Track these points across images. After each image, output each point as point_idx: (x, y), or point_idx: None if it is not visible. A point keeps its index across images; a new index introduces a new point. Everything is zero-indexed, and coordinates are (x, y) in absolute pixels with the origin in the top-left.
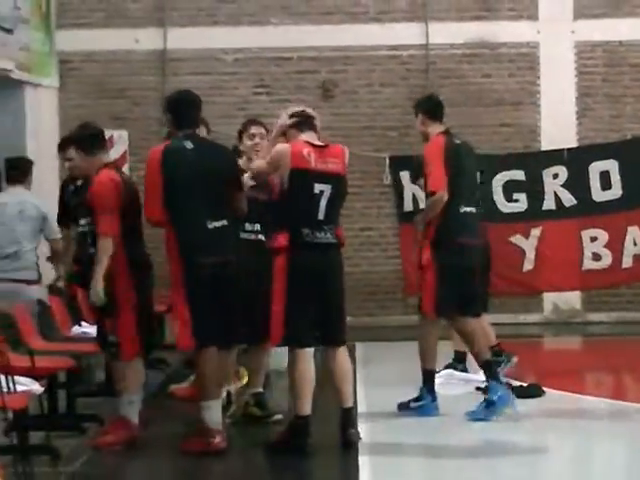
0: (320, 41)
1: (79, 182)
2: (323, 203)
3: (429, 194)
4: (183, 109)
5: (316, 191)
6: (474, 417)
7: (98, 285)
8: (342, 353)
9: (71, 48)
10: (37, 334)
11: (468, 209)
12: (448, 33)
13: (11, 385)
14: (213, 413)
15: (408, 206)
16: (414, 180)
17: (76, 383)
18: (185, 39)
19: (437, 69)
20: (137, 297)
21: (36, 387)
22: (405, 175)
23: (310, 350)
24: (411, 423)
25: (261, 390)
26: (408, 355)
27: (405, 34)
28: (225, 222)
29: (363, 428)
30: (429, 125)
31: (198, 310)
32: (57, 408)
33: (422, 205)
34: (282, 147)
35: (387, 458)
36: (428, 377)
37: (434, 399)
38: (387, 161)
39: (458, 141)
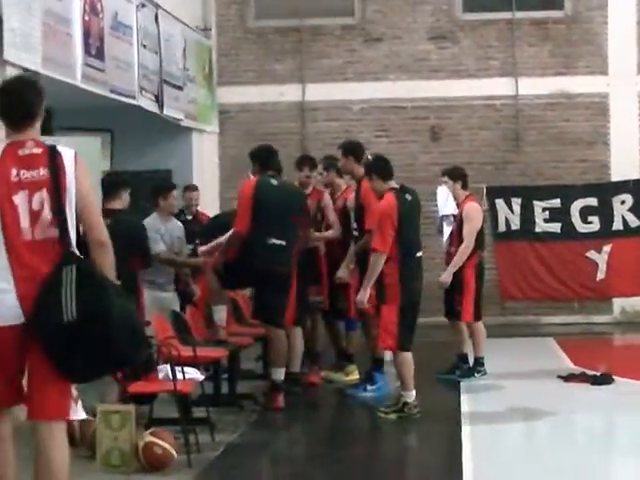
0: (429, 93)
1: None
2: None
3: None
4: (267, 157)
5: None
6: None
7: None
8: None
9: (228, 101)
10: (203, 330)
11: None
12: (534, 86)
13: (180, 374)
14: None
15: (502, 227)
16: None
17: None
18: (320, 92)
19: (525, 115)
20: None
21: (198, 375)
22: (500, 202)
23: None
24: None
25: None
26: (501, 349)
27: (498, 87)
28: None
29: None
30: None
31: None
32: (220, 389)
33: (513, 226)
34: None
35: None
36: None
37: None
38: (484, 190)
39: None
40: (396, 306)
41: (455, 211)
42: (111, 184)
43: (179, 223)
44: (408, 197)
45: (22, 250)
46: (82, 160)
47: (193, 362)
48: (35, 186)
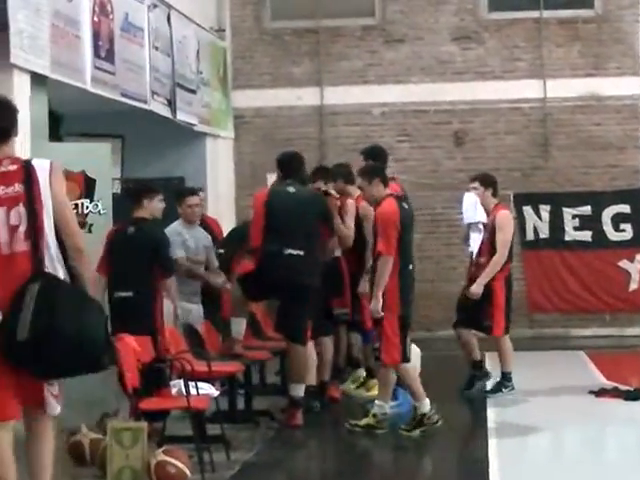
0: (453, 96)
1: None
2: None
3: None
4: (287, 164)
5: None
6: None
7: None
8: None
9: (244, 105)
10: (218, 344)
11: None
12: (563, 88)
13: (194, 389)
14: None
15: (530, 235)
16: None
17: (250, 384)
18: (339, 96)
19: (553, 119)
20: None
21: (213, 391)
22: (527, 209)
23: None
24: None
25: None
26: (529, 363)
27: (526, 89)
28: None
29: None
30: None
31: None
32: (236, 405)
33: (542, 235)
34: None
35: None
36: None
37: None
38: (511, 198)
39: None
40: (396, 317)
41: (485, 219)
42: (133, 192)
43: (206, 233)
44: (405, 205)
45: (1, 264)
46: (58, 169)
47: (207, 377)
48: (12, 202)
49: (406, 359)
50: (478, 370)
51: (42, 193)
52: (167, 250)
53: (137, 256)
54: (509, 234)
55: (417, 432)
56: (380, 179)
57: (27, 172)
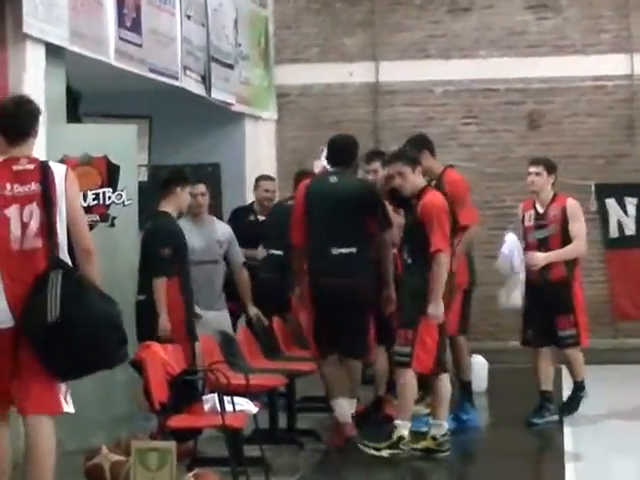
0: (527, 73)
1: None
2: None
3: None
4: (332, 150)
5: None
6: None
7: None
8: None
9: (288, 82)
10: (258, 354)
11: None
12: None
13: (230, 405)
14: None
15: (614, 232)
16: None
17: (293, 400)
18: (397, 72)
19: None
20: None
21: (251, 407)
22: (611, 202)
23: None
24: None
25: None
26: (612, 377)
27: (610, 65)
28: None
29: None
30: None
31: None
32: (277, 423)
33: (628, 232)
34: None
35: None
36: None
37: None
38: (593, 188)
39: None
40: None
41: (522, 263)
42: (161, 183)
43: (224, 225)
44: None
45: (11, 259)
46: (73, 174)
47: (245, 391)
48: (26, 199)
49: (443, 368)
50: (548, 401)
51: (57, 194)
52: (152, 250)
53: (141, 257)
54: (584, 222)
55: (386, 452)
56: (420, 169)
57: (44, 172)
